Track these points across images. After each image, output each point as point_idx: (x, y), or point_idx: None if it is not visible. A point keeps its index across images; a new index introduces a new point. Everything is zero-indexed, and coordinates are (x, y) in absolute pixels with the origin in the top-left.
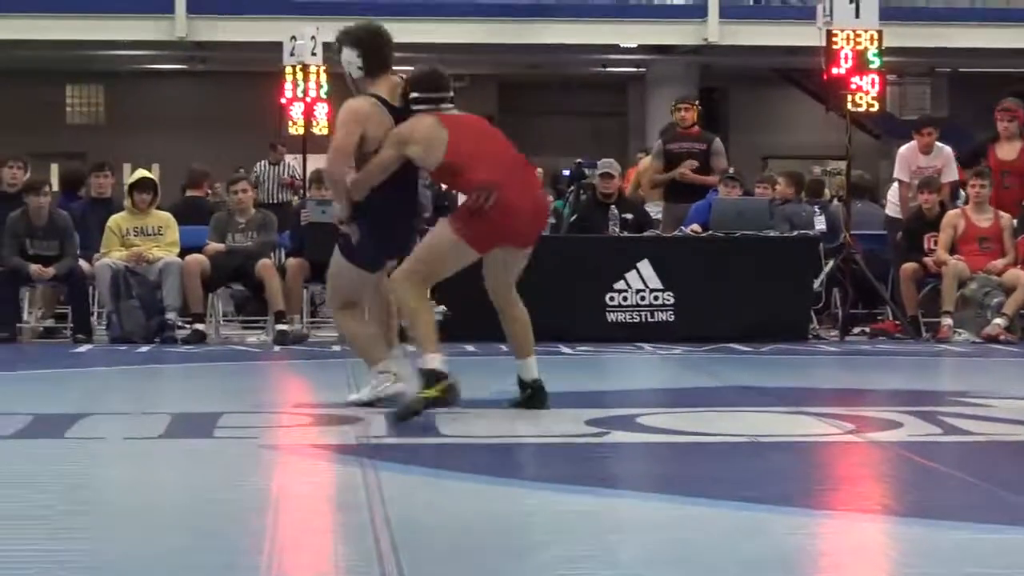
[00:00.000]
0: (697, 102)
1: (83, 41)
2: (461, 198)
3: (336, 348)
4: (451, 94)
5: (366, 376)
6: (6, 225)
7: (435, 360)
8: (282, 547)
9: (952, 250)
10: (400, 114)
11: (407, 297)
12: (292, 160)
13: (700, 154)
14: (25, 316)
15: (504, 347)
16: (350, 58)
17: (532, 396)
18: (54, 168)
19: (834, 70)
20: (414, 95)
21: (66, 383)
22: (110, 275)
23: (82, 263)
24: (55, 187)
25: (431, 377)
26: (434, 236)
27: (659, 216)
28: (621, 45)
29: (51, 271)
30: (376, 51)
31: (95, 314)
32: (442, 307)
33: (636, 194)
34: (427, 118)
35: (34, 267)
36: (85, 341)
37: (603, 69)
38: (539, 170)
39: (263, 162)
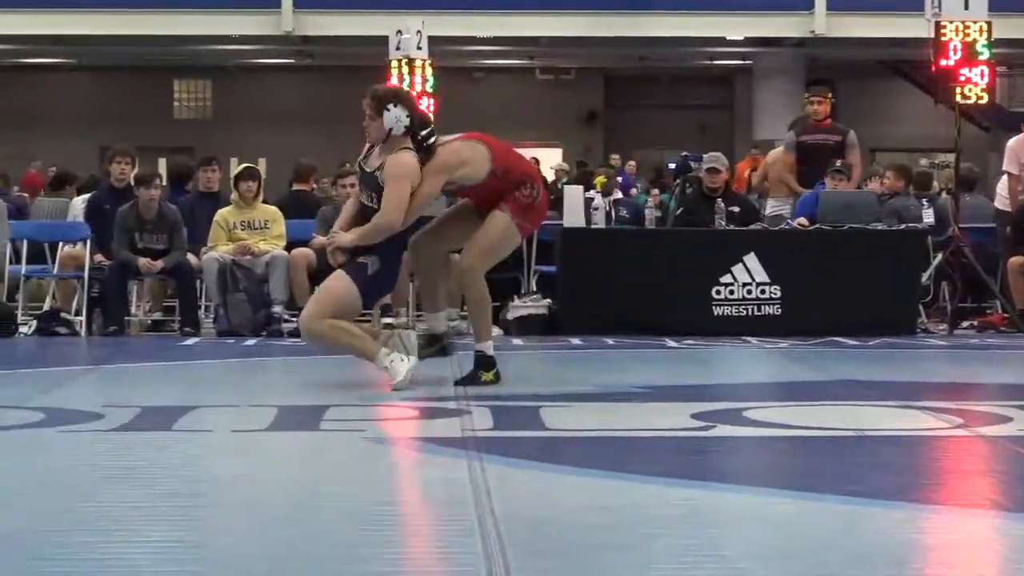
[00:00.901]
0: (830, 94)
1: (191, 36)
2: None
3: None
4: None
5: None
6: (116, 219)
7: (490, 347)
8: (388, 540)
9: None
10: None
11: (481, 287)
12: None
13: (835, 146)
14: (133, 309)
15: (610, 341)
16: (400, 116)
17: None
18: (162, 162)
19: (943, 62)
20: (425, 132)
21: (174, 376)
22: (217, 269)
23: (190, 257)
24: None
25: (489, 363)
26: (497, 229)
27: (778, 211)
28: (728, 38)
29: (159, 265)
30: (416, 112)
31: (202, 307)
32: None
33: (762, 186)
34: (456, 143)
35: (142, 261)
36: (192, 334)
37: (710, 62)
38: (631, 163)
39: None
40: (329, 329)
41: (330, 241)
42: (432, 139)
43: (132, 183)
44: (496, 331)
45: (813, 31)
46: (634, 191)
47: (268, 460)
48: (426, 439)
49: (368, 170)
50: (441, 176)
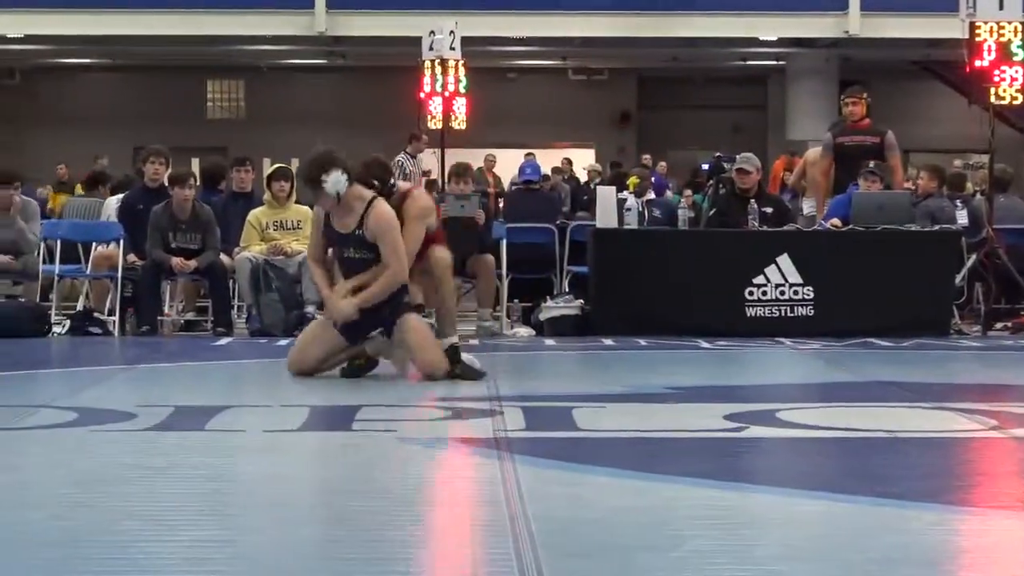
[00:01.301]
0: (866, 94)
1: (224, 36)
2: None
3: (474, 342)
4: None
5: None
6: (150, 219)
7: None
8: (420, 540)
9: None
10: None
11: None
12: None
13: (872, 147)
14: (167, 309)
15: (642, 342)
16: (337, 177)
17: None
18: (194, 162)
19: (977, 62)
20: (387, 177)
21: (206, 376)
22: (250, 269)
23: (223, 257)
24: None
25: (457, 353)
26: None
27: (815, 211)
28: (761, 38)
29: (192, 264)
30: (344, 164)
31: (235, 308)
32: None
33: (799, 184)
34: (421, 189)
35: (176, 260)
36: (225, 334)
37: (743, 62)
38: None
39: (404, 155)
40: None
41: (333, 317)
42: (395, 184)
43: (166, 183)
44: (528, 331)
45: (847, 31)
46: (669, 192)
47: (300, 460)
48: (458, 440)
49: (345, 231)
50: (423, 221)
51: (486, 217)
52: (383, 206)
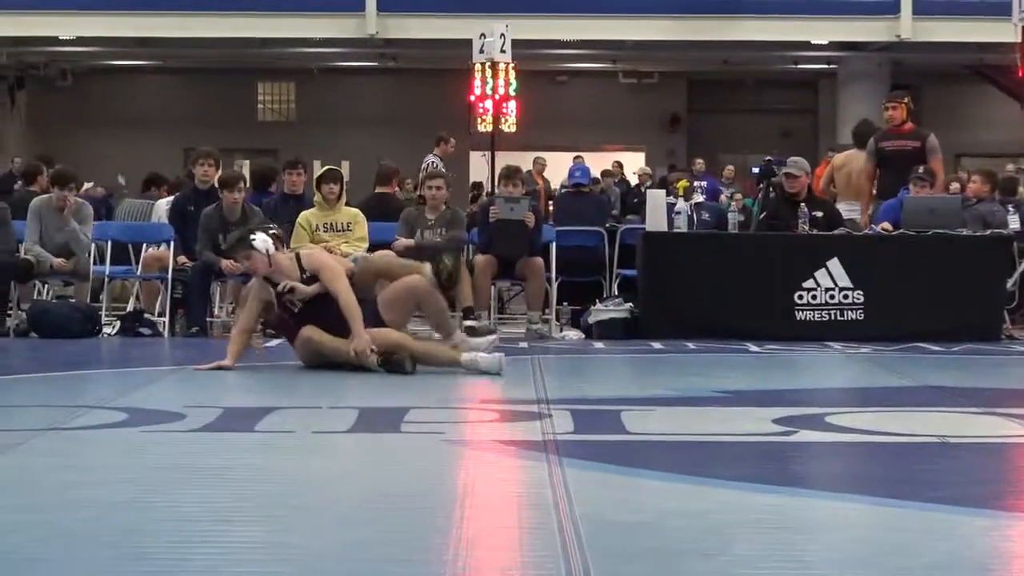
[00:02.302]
0: (907, 99)
1: (275, 39)
2: None
3: (523, 344)
4: None
5: None
6: (200, 221)
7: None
8: (468, 543)
9: None
10: None
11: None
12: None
13: (914, 152)
14: (216, 311)
15: (691, 345)
16: (263, 238)
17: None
18: (245, 164)
19: None
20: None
21: (255, 377)
22: None
23: None
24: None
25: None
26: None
27: (850, 215)
28: (812, 42)
29: (242, 266)
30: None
31: None
32: None
33: (828, 190)
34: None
35: (225, 262)
36: (274, 336)
37: (794, 66)
38: (730, 168)
39: (434, 156)
40: None
41: (363, 351)
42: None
43: (215, 185)
44: (577, 334)
45: (899, 35)
46: (724, 197)
47: (348, 462)
48: (506, 442)
49: (286, 290)
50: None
51: (540, 219)
52: (305, 251)
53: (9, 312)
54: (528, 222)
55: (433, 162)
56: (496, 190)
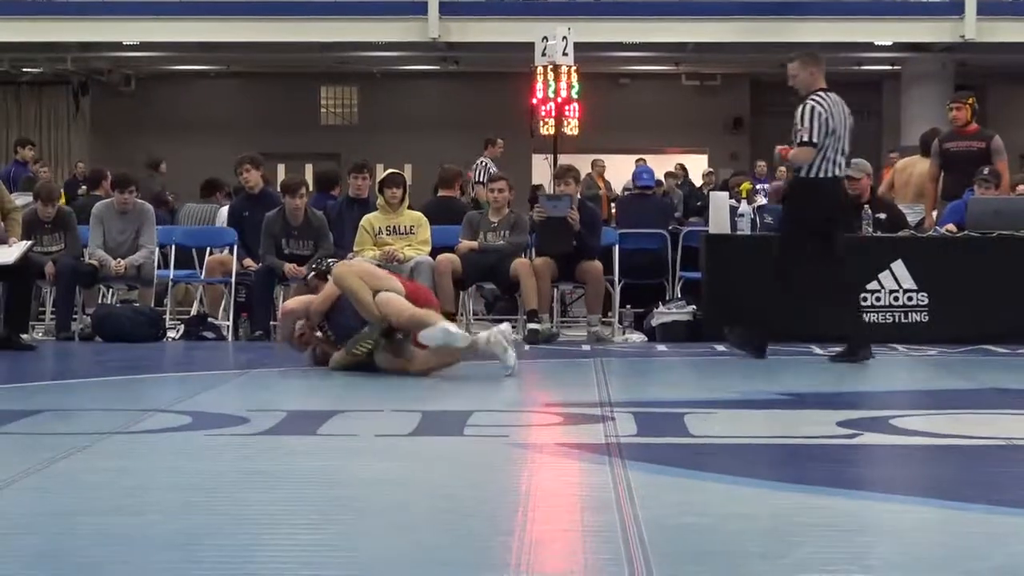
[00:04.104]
0: (971, 99)
1: (338, 43)
2: None
3: (586, 347)
4: None
5: None
6: (263, 225)
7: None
8: (532, 546)
9: None
10: None
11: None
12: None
13: (979, 153)
14: (279, 314)
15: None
16: None
17: None
18: (308, 168)
19: None
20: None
21: (318, 380)
22: None
23: None
24: (310, 186)
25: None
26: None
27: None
28: (876, 43)
29: (305, 270)
30: None
31: None
32: None
33: (889, 193)
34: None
35: (288, 266)
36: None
37: (857, 67)
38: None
39: (485, 158)
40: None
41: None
42: None
43: (264, 187)
44: (640, 336)
45: (963, 36)
46: None
47: (412, 465)
48: (569, 445)
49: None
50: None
51: (598, 221)
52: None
53: (74, 316)
54: (571, 219)
55: (484, 163)
56: (553, 190)
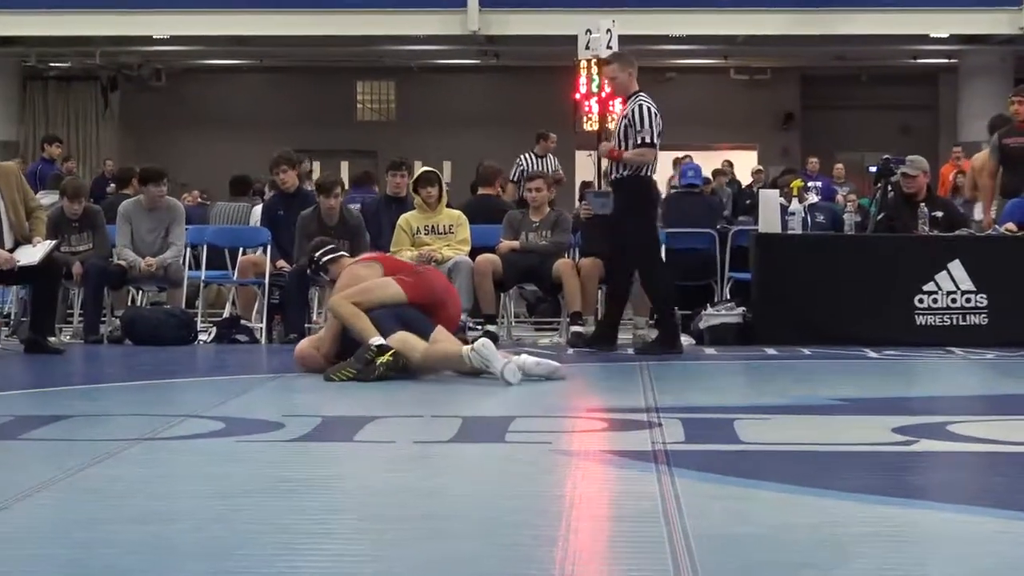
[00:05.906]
0: None
1: (374, 37)
2: None
3: (630, 351)
4: None
5: None
6: (298, 224)
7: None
8: (576, 556)
9: None
10: None
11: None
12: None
13: None
14: (315, 316)
15: (807, 351)
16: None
17: None
18: (344, 165)
19: None
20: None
21: (354, 385)
22: None
23: None
24: (345, 184)
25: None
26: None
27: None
28: (932, 35)
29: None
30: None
31: None
32: None
33: (973, 194)
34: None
35: None
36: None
37: (912, 60)
38: (839, 166)
39: (529, 154)
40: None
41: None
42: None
43: (299, 185)
44: (688, 340)
45: (1022, 28)
46: (840, 197)
47: (452, 472)
48: (615, 452)
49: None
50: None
51: None
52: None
53: (103, 319)
54: None
55: (527, 158)
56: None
